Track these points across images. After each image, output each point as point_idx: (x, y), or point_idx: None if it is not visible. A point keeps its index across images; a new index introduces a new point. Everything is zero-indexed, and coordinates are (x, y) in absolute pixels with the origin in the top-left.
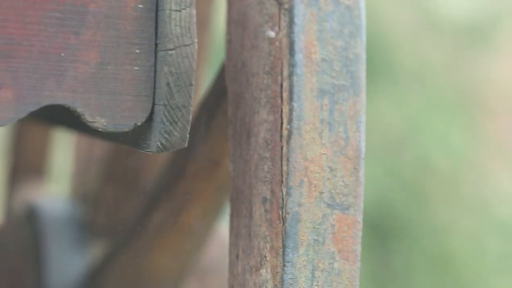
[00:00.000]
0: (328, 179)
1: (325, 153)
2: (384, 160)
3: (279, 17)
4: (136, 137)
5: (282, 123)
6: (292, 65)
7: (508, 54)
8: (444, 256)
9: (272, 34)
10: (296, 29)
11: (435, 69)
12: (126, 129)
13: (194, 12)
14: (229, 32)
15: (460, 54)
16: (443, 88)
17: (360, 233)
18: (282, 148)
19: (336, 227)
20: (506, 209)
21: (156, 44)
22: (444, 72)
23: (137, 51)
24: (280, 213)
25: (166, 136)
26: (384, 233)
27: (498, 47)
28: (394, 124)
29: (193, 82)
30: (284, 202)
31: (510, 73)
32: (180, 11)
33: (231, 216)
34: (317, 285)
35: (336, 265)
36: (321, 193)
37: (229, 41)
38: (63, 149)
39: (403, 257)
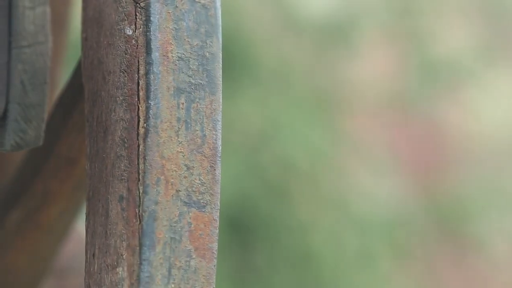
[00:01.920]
0: (185, 177)
1: (182, 151)
2: (246, 159)
3: (135, 15)
4: None
5: (138, 122)
6: (148, 63)
7: (366, 54)
8: (305, 253)
9: (128, 32)
10: (152, 27)
11: (296, 69)
12: None
13: (48, 9)
14: (85, 30)
15: (320, 54)
16: (304, 88)
17: (217, 231)
18: (138, 146)
19: (192, 225)
20: (364, 206)
21: (9, 42)
22: (305, 72)
23: None
24: (137, 211)
25: (21, 134)
26: (245, 231)
27: (357, 48)
28: (255, 123)
29: (48, 80)
30: (141, 200)
31: (368, 73)
32: (33, 8)
33: (88, 214)
34: (173, 283)
35: (192, 263)
36: (177, 191)
37: (85, 39)
38: None
39: (265, 255)
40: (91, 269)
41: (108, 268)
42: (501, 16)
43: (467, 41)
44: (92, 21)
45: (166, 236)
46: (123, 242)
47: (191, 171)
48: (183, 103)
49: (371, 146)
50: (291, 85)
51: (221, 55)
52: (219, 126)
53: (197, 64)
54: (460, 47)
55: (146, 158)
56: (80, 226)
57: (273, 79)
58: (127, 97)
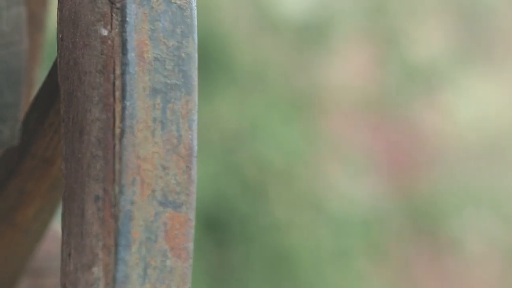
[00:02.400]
0: (161, 177)
1: (158, 152)
2: (222, 158)
3: (111, 16)
4: None
5: (114, 122)
6: (124, 63)
7: (343, 55)
8: (281, 252)
9: (104, 32)
10: (128, 28)
11: (274, 69)
12: None
13: (23, 10)
14: (60, 31)
15: (298, 54)
16: (281, 88)
17: (193, 231)
18: (114, 146)
19: (168, 225)
20: (340, 206)
21: None
22: (282, 72)
23: None
24: (113, 211)
25: None
26: (222, 230)
27: (334, 48)
28: (232, 123)
29: (23, 80)
30: (117, 200)
31: (345, 74)
32: (8, 8)
33: (63, 214)
34: (149, 283)
35: (168, 262)
36: (153, 191)
37: (61, 39)
38: None
39: (241, 253)
40: (67, 269)
41: (83, 267)
42: (476, 19)
43: (443, 43)
44: (68, 21)
45: (142, 236)
46: (99, 242)
47: (167, 171)
48: (159, 104)
49: (348, 147)
50: (269, 85)
51: (196, 55)
52: (195, 126)
53: (173, 64)
54: (436, 49)
55: (122, 158)
56: (57, 225)
57: (250, 79)
58: (103, 98)
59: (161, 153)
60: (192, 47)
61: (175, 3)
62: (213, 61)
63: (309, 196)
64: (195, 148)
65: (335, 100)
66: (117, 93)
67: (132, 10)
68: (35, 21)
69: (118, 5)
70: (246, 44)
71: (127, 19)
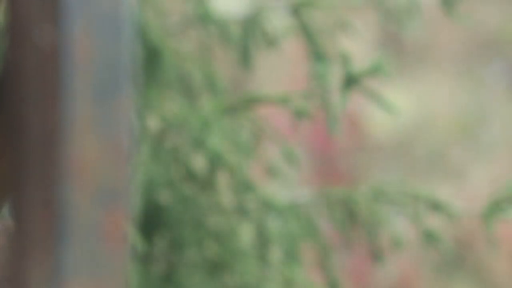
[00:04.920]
0: (99, 177)
1: (95, 151)
2: (165, 153)
3: (50, 20)
4: None
5: (53, 122)
6: (63, 65)
7: (282, 47)
8: (225, 242)
9: (44, 39)
10: (66, 35)
11: (214, 65)
12: None
13: None
14: (6, 37)
15: (234, 49)
16: (221, 84)
17: (129, 229)
18: (53, 147)
19: (104, 224)
20: (268, 200)
21: None
22: (222, 68)
23: None
24: (54, 211)
25: None
26: (163, 227)
27: (267, 43)
28: (172, 117)
29: None
30: (55, 199)
31: (281, 65)
32: None
33: (9, 214)
34: (87, 279)
35: (105, 259)
36: (92, 191)
37: (6, 47)
38: None
39: (185, 244)
40: (11, 266)
41: (25, 265)
42: (394, 31)
43: (364, 52)
44: (10, 26)
45: (80, 234)
46: (39, 241)
47: (104, 170)
48: (96, 104)
49: (279, 140)
50: (209, 80)
51: (131, 57)
52: (131, 126)
53: (110, 67)
54: (357, 58)
55: (61, 158)
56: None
57: (188, 75)
58: (41, 100)
59: (98, 152)
60: (129, 50)
61: (111, 11)
62: (151, 61)
63: (242, 180)
64: (132, 148)
65: (269, 92)
66: (57, 95)
67: (70, 19)
68: None
69: (55, 13)
70: (182, 40)
71: (65, 27)
